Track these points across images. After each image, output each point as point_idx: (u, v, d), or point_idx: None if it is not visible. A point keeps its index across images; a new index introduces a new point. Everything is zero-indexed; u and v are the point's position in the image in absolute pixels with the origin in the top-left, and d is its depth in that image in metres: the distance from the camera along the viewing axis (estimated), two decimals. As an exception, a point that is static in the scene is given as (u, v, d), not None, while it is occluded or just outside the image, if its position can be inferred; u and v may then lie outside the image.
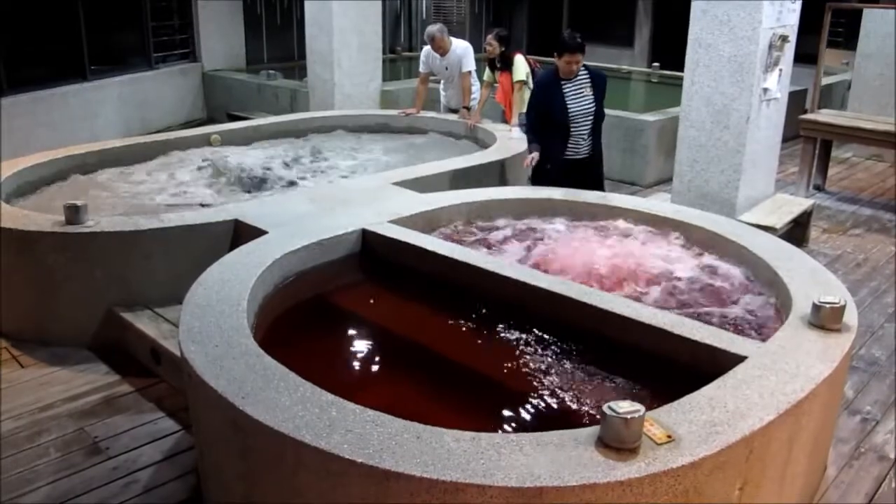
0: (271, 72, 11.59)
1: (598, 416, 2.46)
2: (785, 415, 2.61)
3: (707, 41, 5.92)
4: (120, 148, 6.64)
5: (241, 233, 4.61)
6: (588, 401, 3.08)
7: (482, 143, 7.19)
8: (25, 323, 4.78)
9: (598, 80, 5.55)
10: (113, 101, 10.54)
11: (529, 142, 5.63)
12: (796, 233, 6.48)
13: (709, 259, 4.34)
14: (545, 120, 5.52)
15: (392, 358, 3.70)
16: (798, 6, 6.06)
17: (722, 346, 3.06)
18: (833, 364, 2.93)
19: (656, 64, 13.30)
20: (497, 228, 4.84)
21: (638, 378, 3.19)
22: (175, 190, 5.86)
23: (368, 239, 4.42)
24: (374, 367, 3.66)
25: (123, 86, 10.74)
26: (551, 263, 4.25)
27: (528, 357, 3.41)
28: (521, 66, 7.24)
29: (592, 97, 5.50)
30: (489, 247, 4.55)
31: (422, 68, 8.01)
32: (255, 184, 6.01)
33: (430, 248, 4.17)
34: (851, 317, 3.27)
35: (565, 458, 2.31)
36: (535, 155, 5.46)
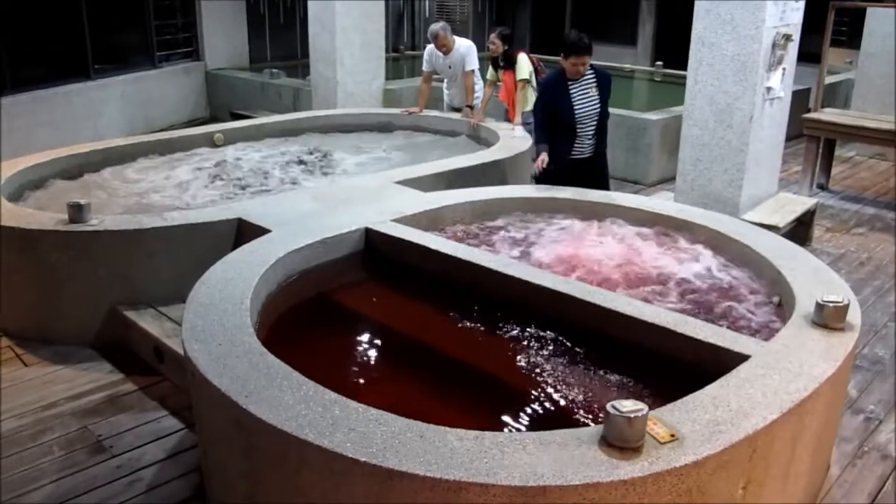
0: (274, 70, 11.59)
1: (601, 415, 2.46)
2: (788, 414, 2.60)
3: (710, 40, 5.91)
4: (123, 147, 6.64)
5: (244, 231, 4.61)
6: (591, 400, 3.08)
7: (485, 141, 7.19)
8: (29, 321, 4.79)
9: (604, 80, 5.54)
10: (116, 100, 10.56)
11: (538, 142, 5.61)
12: (799, 232, 6.47)
13: (712, 258, 4.33)
14: (551, 120, 5.52)
15: (395, 357, 3.70)
16: (801, 5, 6.05)
17: (725, 345, 3.06)
18: (836, 363, 2.93)
19: (659, 63, 13.29)
20: (500, 227, 4.84)
21: (641, 377, 3.19)
22: (177, 189, 5.86)
23: (372, 237, 4.42)
24: (378, 366, 3.66)
25: (127, 85, 10.75)
26: (555, 262, 4.25)
27: (531, 356, 3.41)
28: (524, 65, 7.23)
29: (598, 97, 5.50)
30: (492, 245, 4.55)
31: (425, 67, 8.00)
32: (258, 183, 6.02)
33: (433, 246, 4.17)
34: (855, 316, 3.26)
35: (568, 457, 2.31)
36: (545, 156, 5.44)
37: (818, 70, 8.13)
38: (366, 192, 5.20)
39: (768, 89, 5.93)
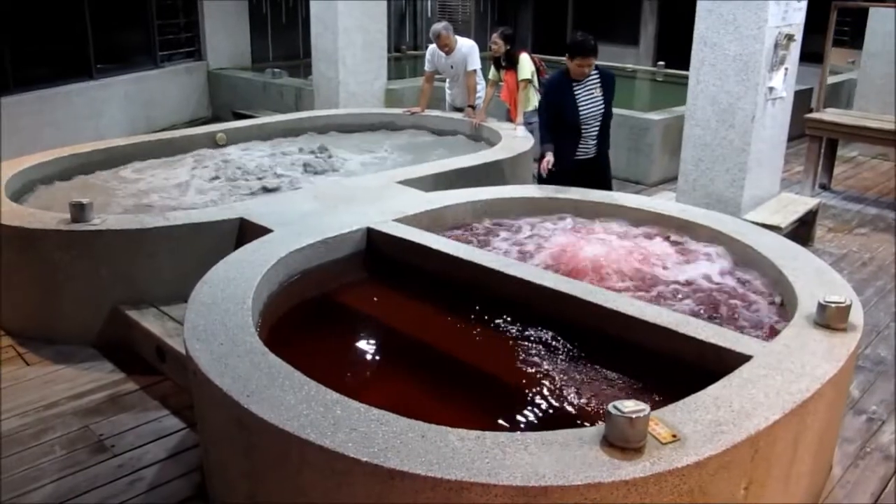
0: (276, 70, 11.60)
1: (602, 416, 2.46)
2: (790, 414, 2.60)
3: (713, 40, 5.91)
4: (125, 146, 6.64)
5: (246, 231, 4.61)
6: (593, 400, 3.08)
7: (487, 141, 7.19)
8: (30, 321, 4.79)
9: (608, 80, 5.54)
10: (118, 100, 10.57)
11: (542, 142, 5.59)
12: (801, 232, 6.46)
13: (713, 258, 4.33)
14: (555, 121, 5.51)
15: (397, 356, 3.70)
16: (804, 5, 6.05)
17: (727, 346, 3.06)
18: (838, 364, 2.92)
19: (661, 63, 13.28)
20: (502, 227, 4.84)
21: (643, 377, 3.19)
22: (179, 189, 5.86)
23: (373, 237, 4.42)
24: (379, 366, 3.67)
25: (129, 84, 10.76)
26: (556, 262, 4.25)
27: (532, 356, 3.41)
28: (526, 65, 7.24)
29: (602, 98, 5.49)
30: (494, 245, 4.54)
31: (427, 67, 8.00)
32: (260, 183, 6.02)
33: (435, 246, 4.17)
34: (857, 316, 3.26)
35: (570, 457, 2.31)
36: (550, 157, 5.43)
37: (820, 70, 8.12)
38: (367, 191, 5.20)
39: (770, 89, 5.93)
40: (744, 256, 4.24)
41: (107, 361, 4.51)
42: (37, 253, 4.57)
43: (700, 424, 2.47)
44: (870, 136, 7.96)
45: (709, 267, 4.23)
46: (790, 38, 5.89)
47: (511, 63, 7.33)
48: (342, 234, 4.35)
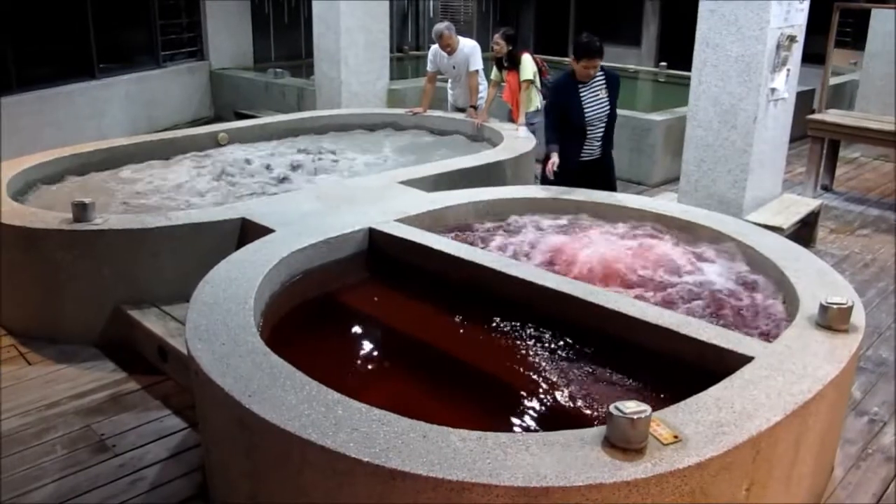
0: (278, 70, 11.61)
1: (604, 416, 2.46)
2: (792, 415, 2.60)
3: (715, 41, 5.91)
4: (127, 146, 6.65)
5: (248, 231, 4.61)
6: (594, 401, 3.08)
7: (489, 142, 7.19)
8: (33, 320, 4.80)
9: (613, 81, 5.54)
10: (120, 100, 10.58)
11: (549, 142, 5.58)
12: (804, 233, 6.46)
13: (715, 259, 4.33)
14: (561, 122, 5.51)
15: (398, 357, 3.70)
16: (806, 6, 6.04)
17: (729, 347, 3.06)
18: (840, 365, 2.92)
19: (663, 63, 13.28)
20: (504, 227, 4.83)
21: (644, 378, 3.19)
22: (181, 189, 5.87)
23: (375, 238, 4.42)
24: (381, 366, 3.67)
25: (131, 84, 10.77)
26: (557, 263, 4.25)
27: (534, 356, 3.41)
28: (528, 66, 7.24)
29: (607, 99, 5.50)
30: (495, 246, 4.54)
31: (429, 67, 8.01)
32: (261, 183, 6.02)
33: (436, 247, 4.17)
34: (859, 317, 3.26)
35: (571, 458, 2.31)
36: (556, 158, 5.42)
37: (822, 71, 8.12)
38: (369, 191, 5.20)
39: (772, 90, 5.92)
40: (745, 257, 4.24)
41: (108, 361, 4.52)
42: (39, 252, 4.58)
43: (701, 425, 2.47)
44: (872, 137, 7.96)
45: (710, 268, 4.22)
46: (792, 38, 5.89)
47: (513, 63, 7.33)
48: (344, 234, 4.35)
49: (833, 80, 9.65)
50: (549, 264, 4.23)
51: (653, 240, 4.61)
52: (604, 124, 5.53)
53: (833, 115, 8.23)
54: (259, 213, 4.72)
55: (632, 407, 2.34)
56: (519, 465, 2.27)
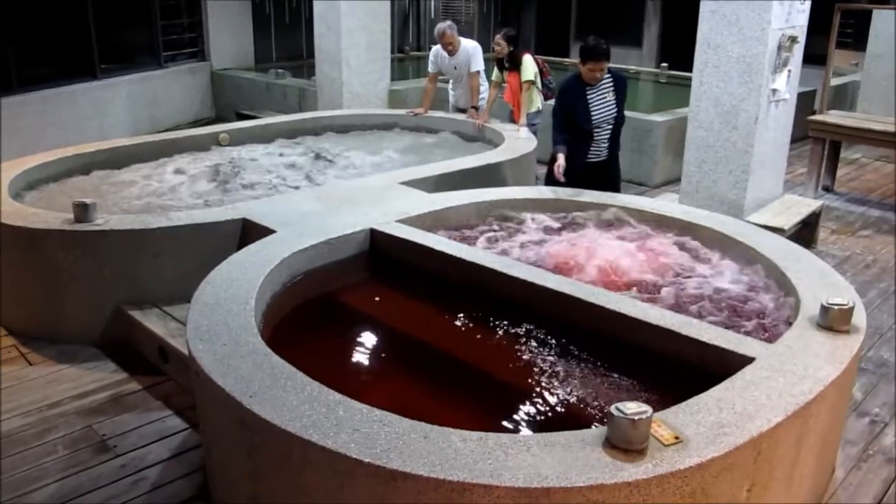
0: (280, 71, 11.61)
1: (605, 417, 2.46)
2: (793, 416, 2.60)
3: (716, 42, 5.91)
4: (129, 147, 6.65)
5: (249, 231, 4.62)
6: (595, 401, 3.08)
7: (490, 142, 7.19)
8: (34, 321, 4.80)
9: (620, 84, 5.55)
10: (122, 100, 10.58)
11: (555, 143, 5.58)
12: (805, 234, 6.46)
13: (716, 260, 4.33)
14: (568, 124, 5.51)
15: (399, 357, 3.70)
16: (807, 7, 6.04)
17: (730, 348, 3.06)
18: (841, 366, 2.92)
19: (664, 64, 13.28)
20: (505, 228, 4.83)
21: (645, 379, 3.19)
22: (182, 189, 5.87)
23: (376, 238, 4.42)
24: (382, 367, 3.67)
25: (132, 84, 10.78)
26: (559, 263, 4.25)
27: (535, 357, 3.41)
28: (529, 66, 7.24)
29: (615, 102, 5.50)
30: (497, 246, 4.54)
31: (430, 68, 8.01)
32: (263, 184, 6.03)
33: (438, 247, 4.17)
34: (860, 318, 3.26)
35: (572, 458, 2.31)
36: (562, 161, 5.42)
37: (824, 72, 8.12)
38: (370, 192, 5.21)
39: (774, 91, 5.92)
40: (747, 258, 4.24)
41: (110, 361, 4.52)
42: (40, 253, 4.58)
43: (703, 426, 2.47)
44: (873, 138, 7.96)
45: (711, 269, 4.23)
46: (793, 39, 5.89)
47: (514, 64, 7.33)
48: (345, 234, 4.35)
49: (834, 81, 9.65)
50: (550, 265, 4.23)
51: (654, 241, 4.61)
52: (610, 127, 5.54)
53: (834, 116, 8.23)
54: (260, 214, 4.72)
55: (633, 408, 2.34)
56: (520, 465, 2.27)
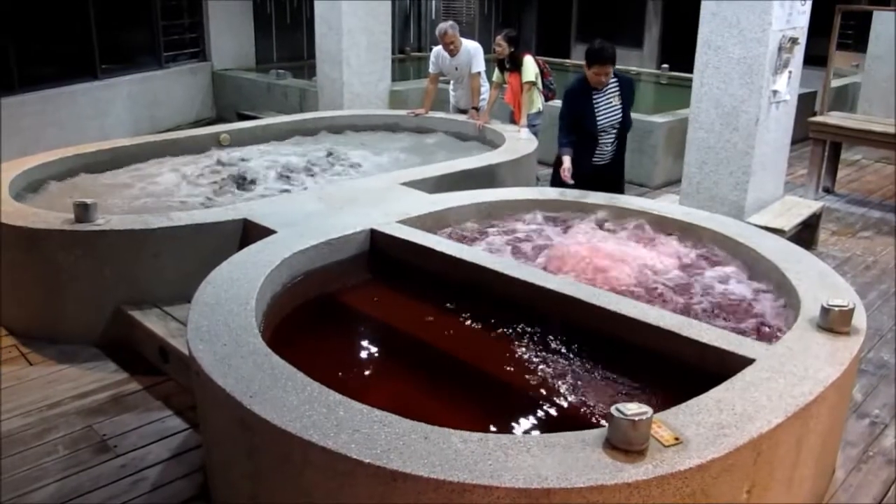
0: (281, 71, 11.62)
1: (605, 418, 2.46)
2: (793, 418, 2.60)
3: (716, 43, 5.91)
4: (129, 147, 6.66)
5: (249, 232, 4.62)
6: (595, 402, 3.08)
7: (491, 143, 7.19)
8: (34, 321, 4.80)
9: (626, 89, 5.55)
10: (123, 100, 10.59)
11: (561, 145, 5.57)
12: (805, 235, 6.46)
13: (717, 261, 4.33)
14: (574, 127, 5.51)
15: (400, 358, 3.70)
16: (808, 8, 6.04)
17: (730, 349, 3.06)
18: (841, 367, 2.92)
19: (665, 65, 13.28)
20: (506, 229, 4.83)
21: (645, 380, 3.19)
22: (183, 190, 5.87)
23: (377, 239, 4.42)
24: (382, 367, 3.67)
25: (133, 84, 10.78)
26: (560, 264, 4.25)
27: (535, 358, 3.41)
28: (530, 67, 7.25)
29: (620, 106, 5.50)
30: (497, 247, 4.54)
31: (431, 68, 8.02)
32: (263, 184, 6.03)
33: (438, 248, 4.17)
34: (860, 320, 3.26)
35: (572, 459, 2.31)
36: (568, 164, 5.41)
37: (824, 73, 8.12)
38: (371, 193, 5.21)
39: (774, 92, 5.92)
40: (747, 259, 4.24)
41: (110, 361, 4.52)
42: (40, 253, 4.58)
43: (703, 427, 2.47)
44: (873, 139, 7.96)
45: (711, 270, 4.23)
46: (794, 41, 5.89)
47: (515, 65, 7.33)
48: (346, 235, 4.35)
49: (835, 83, 9.65)
50: (550, 265, 4.23)
51: (654, 241, 4.61)
52: (616, 130, 5.54)
53: (835, 118, 8.23)
54: (261, 214, 4.72)
55: (633, 409, 2.34)
56: (520, 466, 2.27)
